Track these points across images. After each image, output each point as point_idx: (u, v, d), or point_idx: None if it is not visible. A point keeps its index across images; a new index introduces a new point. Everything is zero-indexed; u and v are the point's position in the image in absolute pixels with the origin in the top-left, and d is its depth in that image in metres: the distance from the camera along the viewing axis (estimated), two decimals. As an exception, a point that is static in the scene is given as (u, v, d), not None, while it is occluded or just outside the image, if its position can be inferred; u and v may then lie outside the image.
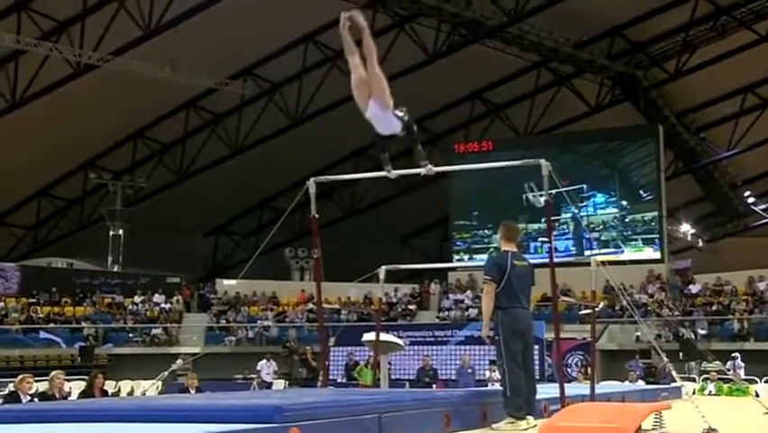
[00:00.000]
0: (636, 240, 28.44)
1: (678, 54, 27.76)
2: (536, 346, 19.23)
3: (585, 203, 28.45)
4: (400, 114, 7.40)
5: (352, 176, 11.69)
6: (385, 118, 7.34)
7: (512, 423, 7.06)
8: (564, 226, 27.95)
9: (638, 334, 23.13)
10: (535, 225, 26.75)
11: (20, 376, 10.83)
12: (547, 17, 25.12)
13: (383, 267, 11.02)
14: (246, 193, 31.61)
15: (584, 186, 28.12)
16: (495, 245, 25.50)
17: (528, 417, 7.15)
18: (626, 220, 28.67)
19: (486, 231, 28.20)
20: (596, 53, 27.71)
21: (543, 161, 8.08)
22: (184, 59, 24.14)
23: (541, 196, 24.98)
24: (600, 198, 28.78)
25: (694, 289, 26.48)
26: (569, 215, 27.55)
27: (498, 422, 7.14)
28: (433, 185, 29.04)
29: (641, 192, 28.77)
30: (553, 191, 8.37)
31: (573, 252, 27.61)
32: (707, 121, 31.30)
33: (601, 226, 28.69)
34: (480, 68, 27.51)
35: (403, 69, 26.50)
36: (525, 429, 7.00)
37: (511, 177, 24.68)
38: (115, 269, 29.31)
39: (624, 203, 28.79)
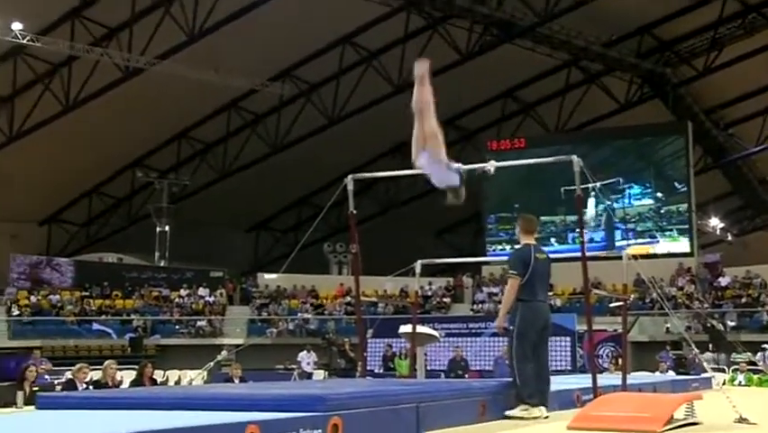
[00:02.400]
0: (672, 230, 28.23)
1: (706, 52, 27.35)
2: (568, 338, 19.40)
3: (621, 195, 28.25)
4: (455, 166, 6.98)
5: (389, 173, 11.58)
6: (437, 169, 6.89)
7: (525, 409, 6.95)
8: (600, 218, 27.72)
9: (668, 326, 22.89)
10: (573, 217, 26.54)
11: (78, 365, 10.99)
12: (577, 17, 24.89)
13: (419, 261, 10.98)
14: (286, 190, 31.76)
15: (620, 179, 27.86)
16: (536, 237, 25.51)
17: (541, 407, 7.03)
18: (662, 211, 28.40)
19: None
20: (625, 52, 27.40)
21: (574, 157, 8.01)
22: (226, 61, 24.34)
23: (592, 189, 24.95)
24: (636, 189, 28.59)
25: (723, 281, 26.12)
26: (602, 207, 27.30)
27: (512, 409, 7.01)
28: (466, 181, 28.89)
29: (675, 184, 28.48)
30: (589, 185, 8.27)
31: (607, 243, 27.42)
32: (735, 117, 30.81)
33: (637, 217, 28.47)
34: (512, 67, 27.35)
35: (437, 69, 26.31)
36: (537, 417, 6.89)
37: (546, 171, 24.46)
38: (162, 263, 29.62)
39: (659, 194, 28.57)
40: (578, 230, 25.78)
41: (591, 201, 26.66)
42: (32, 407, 7.11)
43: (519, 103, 30.46)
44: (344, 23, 25.14)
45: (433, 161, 6.77)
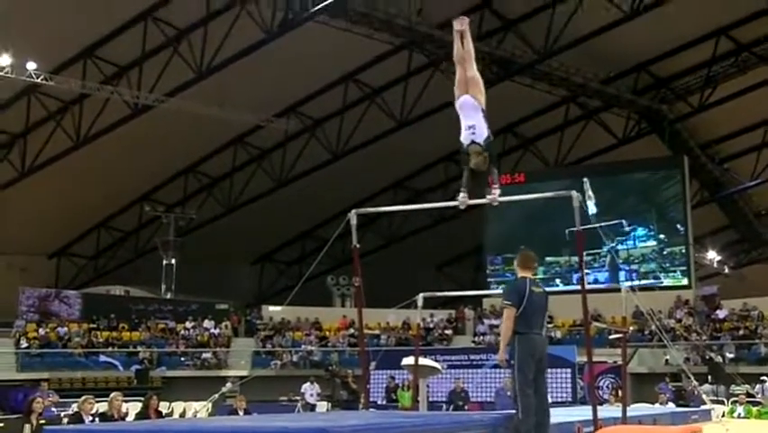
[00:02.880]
0: (675, 271, 28.12)
1: (701, 89, 27.54)
2: (568, 370, 19.29)
3: (626, 237, 28.18)
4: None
5: (391, 208, 11.68)
6: (474, 113, 7.66)
7: None
8: (603, 259, 27.54)
9: (667, 357, 22.76)
10: (574, 258, 26.35)
11: (83, 398, 10.94)
12: (575, 54, 25.09)
13: (421, 294, 10.99)
14: (290, 224, 31.81)
15: (623, 221, 27.73)
16: (539, 277, 25.43)
17: None
18: (665, 253, 28.32)
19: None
20: (622, 88, 27.57)
21: (573, 193, 8.01)
22: (232, 98, 24.51)
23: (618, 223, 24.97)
24: (641, 231, 28.51)
25: (721, 314, 26.01)
26: (606, 248, 27.17)
27: None
28: (466, 215, 28.99)
29: (678, 226, 28.44)
30: (595, 225, 8.27)
31: (611, 284, 27.30)
32: (730, 152, 30.94)
33: (640, 258, 28.35)
34: (512, 103, 27.49)
35: (438, 105, 26.65)
36: None
37: (549, 210, 24.22)
38: (168, 296, 29.58)
39: (662, 236, 28.48)
40: (579, 267, 25.81)
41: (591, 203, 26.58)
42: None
43: (519, 138, 30.60)
44: (348, 60, 25.36)
45: (474, 105, 7.60)
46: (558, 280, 28.02)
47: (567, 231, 26.38)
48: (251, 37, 22.46)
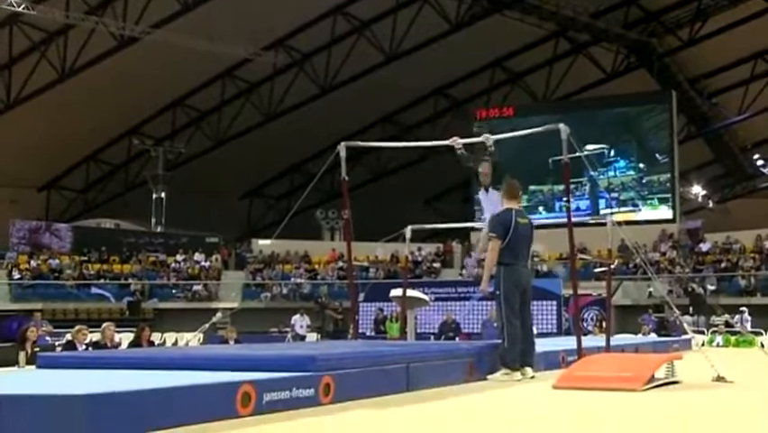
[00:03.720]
0: (653, 199, 28.47)
1: (691, 22, 27.22)
2: (554, 302, 19.53)
3: (607, 168, 28.37)
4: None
5: (381, 144, 11.61)
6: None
7: (507, 374, 6.97)
8: (585, 188, 27.86)
9: (651, 290, 23.04)
10: (561, 186, 26.54)
11: (76, 327, 11.01)
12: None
13: (409, 227, 11.00)
14: (279, 158, 31.66)
15: (606, 147, 27.96)
16: (523, 205, 25.58)
17: (526, 368, 7.07)
18: (644, 181, 28.57)
19: None
20: (612, 22, 27.24)
21: (562, 126, 8.00)
22: (220, 31, 24.09)
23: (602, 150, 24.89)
24: (622, 163, 28.68)
25: (704, 247, 26.25)
26: (585, 178, 27.39)
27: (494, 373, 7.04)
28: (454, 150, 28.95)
29: (657, 155, 28.59)
30: (578, 154, 8.28)
31: (592, 211, 27.60)
32: (719, 87, 30.75)
33: (620, 186, 28.65)
34: (501, 37, 27.18)
35: (427, 38, 26.31)
36: (520, 380, 6.93)
37: (534, 141, 24.26)
38: (158, 229, 29.57)
39: (641, 165, 28.67)
40: (562, 199, 25.91)
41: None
42: (34, 366, 7.14)
43: (508, 72, 30.33)
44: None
45: None
46: (541, 208, 28.26)
47: (551, 160, 26.61)
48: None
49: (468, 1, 25.66)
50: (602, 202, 28.32)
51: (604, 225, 10.69)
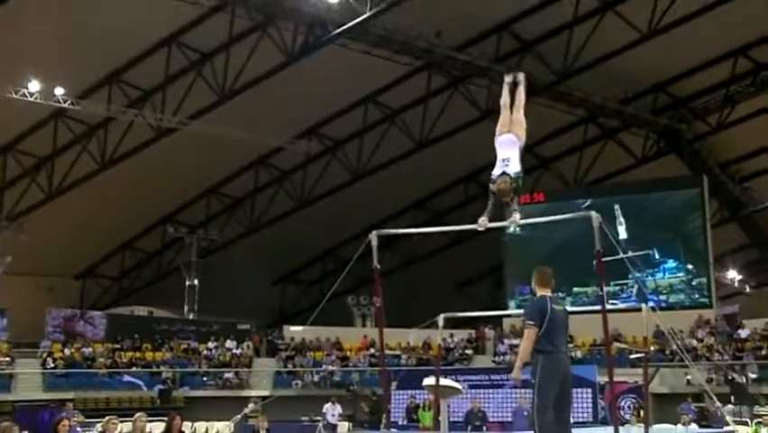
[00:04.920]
0: (705, 301, 27.61)
1: (720, 108, 27.39)
2: (589, 389, 19.11)
3: (656, 268, 27.72)
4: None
5: (411, 230, 11.59)
6: (512, 148, 8.62)
7: None
8: (631, 289, 26.88)
9: (689, 377, 22.48)
10: (606, 288, 25.65)
11: (107, 418, 10.99)
12: (593, 75, 25.07)
13: (441, 315, 10.95)
14: (311, 244, 31.88)
15: (652, 251, 27.23)
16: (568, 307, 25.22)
17: None
18: (693, 284, 27.78)
19: (560, 293, 26.98)
20: (640, 108, 27.48)
21: (593, 213, 7.96)
22: (254, 120, 24.68)
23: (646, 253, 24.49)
24: (671, 263, 27.91)
25: (743, 333, 25.65)
26: (632, 280, 26.77)
27: None
28: (485, 234, 28.98)
29: (707, 256, 27.92)
30: (618, 257, 8.20)
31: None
32: (750, 171, 30.68)
33: (668, 289, 27.86)
34: (531, 123, 27.30)
35: (457, 125, 26.72)
36: None
37: (575, 241, 23.42)
38: (191, 316, 29.65)
39: (690, 267, 27.91)
40: (611, 301, 25.44)
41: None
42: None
43: (538, 158, 30.55)
44: (368, 82, 25.50)
45: (513, 141, 8.58)
46: (586, 310, 27.51)
47: (594, 262, 25.88)
48: (272, 60, 22.67)
49: (497, 90, 26.06)
50: (651, 305, 27.31)
51: (639, 310, 10.55)
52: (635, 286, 26.57)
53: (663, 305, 26.93)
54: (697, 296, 27.69)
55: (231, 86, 23.21)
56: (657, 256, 27.59)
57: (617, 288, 26.41)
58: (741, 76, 25.95)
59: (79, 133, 25.18)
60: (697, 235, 28.13)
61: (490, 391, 20.17)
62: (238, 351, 27.34)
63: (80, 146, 25.45)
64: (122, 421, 11.45)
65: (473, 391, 19.49)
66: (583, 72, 24.68)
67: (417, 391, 18.67)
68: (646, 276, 27.50)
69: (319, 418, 20.85)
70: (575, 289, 27.29)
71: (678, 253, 28.14)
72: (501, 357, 26.68)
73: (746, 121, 27.06)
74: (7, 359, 24.10)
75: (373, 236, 9.18)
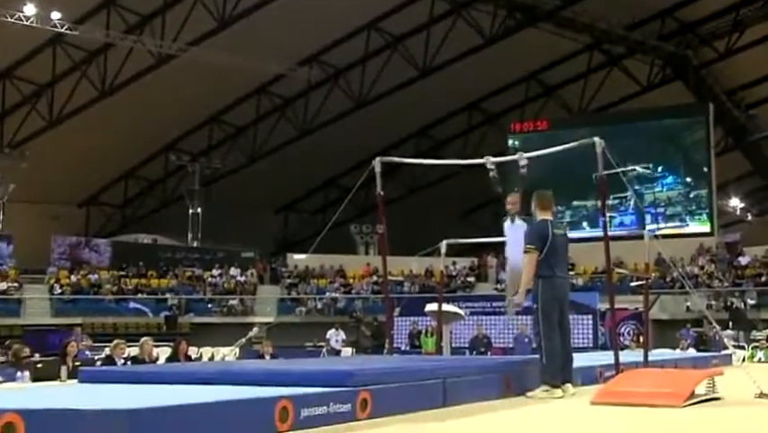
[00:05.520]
0: (701, 214, 27.96)
1: (728, 34, 26.93)
2: (590, 316, 19.33)
3: (655, 183, 27.87)
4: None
5: (415, 160, 11.53)
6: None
7: (547, 391, 6.79)
8: (629, 202, 27.16)
9: (689, 304, 22.73)
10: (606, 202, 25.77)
11: (115, 342, 11.18)
12: (599, 0, 24.61)
13: (444, 241, 10.96)
14: (313, 173, 31.85)
15: (650, 165, 27.17)
16: (567, 221, 25.31)
17: (566, 384, 6.89)
18: (691, 196, 28.12)
19: (559, 207, 27.18)
20: (647, 34, 27.05)
21: (597, 140, 7.90)
22: (255, 47, 24.35)
23: (646, 168, 24.51)
24: (670, 178, 28.17)
25: (743, 260, 25.84)
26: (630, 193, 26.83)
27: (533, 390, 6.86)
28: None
29: (704, 169, 28.08)
30: (622, 169, 8.17)
31: (637, 226, 27.10)
32: (757, 98, 30.36)
33: (666, 201, 28.19)
34: (535, 50, 27.13)
35: (460, 52, 26.33)
36: (561, 397, 6.76)
37: (576, 155, 23.75)
38: (195, 244, 29.86)
39: (688, 180, 28.20)
40: (609, 214, 25.50)
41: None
42: (75, 380, 7.25)
43: (542, 85, 30.23)
44: (370, 8, 25.06)
45: None
46: (585, 224, 27.84)
47: (594, 175, 26.07)
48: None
49: (501, 15, 25.66)
50: (648, 217, 27.62)
51: (641, 238, 10.58)
52: (633, 199, 26.74)
53: (661, 219, 27.19)
54: (694, 207, 27.89)
55: (231, 12, 22.84)
56: (651, 169, 27.70)
57: (616, 201, 26.53)
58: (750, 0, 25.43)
59: (78, 59, 24.88)
60: (696, 149, 28.29)
61: (492, 317, 20.42)
62: (242, 278, 27.63)
63: (80, 73, 25.20)
64: (129, 346, 11.64)
65: (475, 317, 19.73)
66: (589, -3, 24.24)
67: (420, 318, 18.92)
68: (645, 190, 27.61)
69: (323, 343, 21.18)
70: (575, 202, 27.53)
71: (680, 168, 28.23)
72: (503, 285, 26.90)
73: (755, 46, 26.64)
74: (15, 284, 24.38)
75: (377, 163, 9.16)
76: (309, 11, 23.72)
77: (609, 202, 25.16)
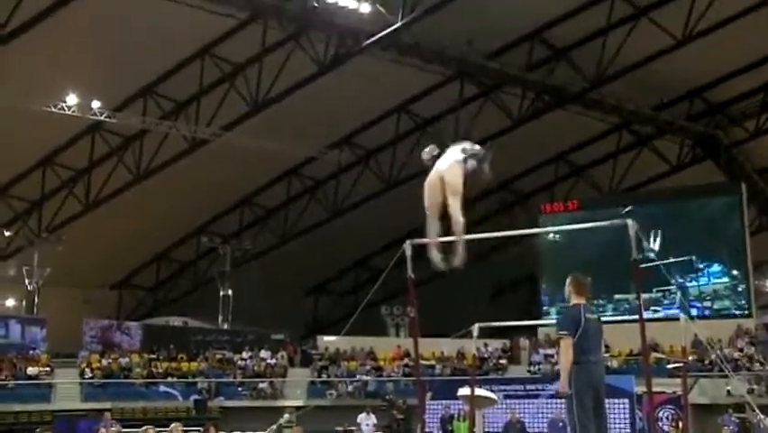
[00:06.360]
0: (751, 309, 27.03)
1: (757, 114, 27.00)
2: (626, 400, 18.88)
3: (699, 273, 27.12)
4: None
5: (447, 238, 11.50)
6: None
7: None
8: (674, 296, 25.90)
9: (729, 388, 22.11)
10: (647, 295, 24.69)
11: (144, 428, 11.15)
12: (627, 81, 24.89)
13: (476, 324, 10.91)
14: (344, 254, 31.94)
15: (694, 257, 26.24)
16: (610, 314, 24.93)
17: None
18: (739, 289, 27.18)
19: (600, 300, 26.21)
20: (675, 115, 27.21)
21: (629, 221, 7.83)
22: (286, 131, 24.84)
23: (650, 251, 24.06)
24: (716, 268, 27.29)
25: (785, 342, 25.21)
26: (674, 286, 26.22)
27: None
28: (521, 243, 28.89)
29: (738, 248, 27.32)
30: (658, 262, 8.08)
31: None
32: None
33: (713, 295, 27.28)
34: (564, 131, 27.37)
35: (489, 133, 26.60)
36: None
37: (614, 246, 22.86)
38: (225, 326, 29.85)
39: (735, 272, 27.26)
40: (651, 307, 24.99)
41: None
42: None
43: (571, 166, 30.35)
44: (400, 91, 25.57)
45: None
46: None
47: (633, 258, 25.21)
48: (304, 70, 22.83)
49: (530, 97, 26.02)
50: (694, 312, 26.08)
51: (676, 320, 10.43)
52: (678, 293, 26.04)
53: (708, 312, 26.45)
54: (743, 302, 27.16)
55: (264, 96, 23.40)
56: (699, 263, 27.02)
57: (659, 294, 25.94)
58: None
59: (115, 145, 25.54)
60: (738, 241, 27.62)
61: (526, 401, 20.04)
62: (272, 361, 27.43)
63: (116, 158, 25.81)
64: (158, 431, 11.57)
65: (508, 401, 19.37)
66: (617, 79, 24.51)
67: (452, 402, 18.59)
68: (689, 282, 27.02)
69: (353, 428, 20.86)
70: (616, 296, 26.83)
71: (721, 257, 27.61)
72: (536, 367, 26.49)
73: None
74: (47, 369, 24.44)
75: (407, 246, 9.17)
76: (340, 95, 24.23)
77: (652, 295, 24.87)
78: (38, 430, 12.72)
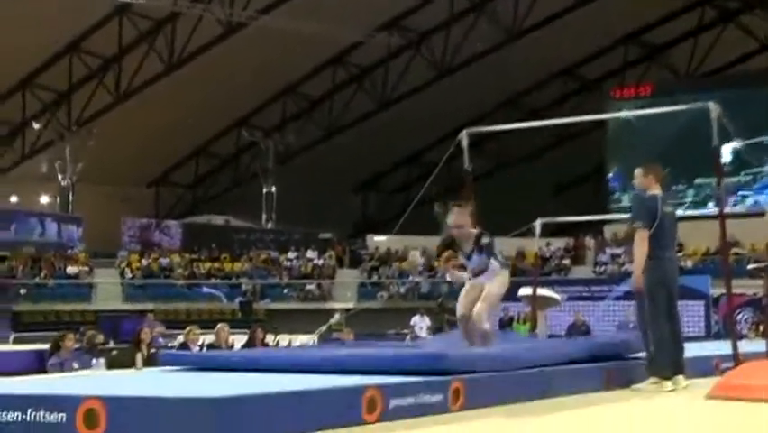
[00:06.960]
0: None
1: None
2: (701, 302, 18.87)
3: None
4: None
5: (508, 126, 11.42)
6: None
7: (656, 383, 6.60)
8: (766, 178, 25.55)
9: (815, 289, 21.88)
10: (733, 178, 24.41)
11: (188, 328, 11.54)
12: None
13: (538, 220, 10.86)
14: (394, 148, 31.88)
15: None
16: (689, 200, 24.51)
17: (678, 376, 6.68)
18: None
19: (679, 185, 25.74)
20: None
21: (711, 104, 7.68)
22: (329, 13, 24.42)
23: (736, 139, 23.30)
24: None
25: None
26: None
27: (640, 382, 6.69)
28: (587, 134, 28.46)
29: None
30: (743, 142, 7.88)
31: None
32: None
33: None
34: (636, 7, 26.42)
35: (553, 12, 25.88)
36: (672, 390, 6.57)
37: (699, 128, 22.40)
38: (269, 225, 30.34)
39: None
40: (739, 192, 24.49)
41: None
42: (150, 368, 7.49)
43: (644, 47, 29.44)
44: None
45: None
46: (711, 204, 26.69)
47: (715, 146, 24.32)
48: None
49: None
50: None
51: (761, 215, 10.27)
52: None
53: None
54: None
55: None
56: None
57: (749, 177, 25.32)
58: None
59: (145, 29, 25.46)
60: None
61: (590, 303, 20.16)
62: (320, 261, 27.94)
63: (147, 45, 25.83)
64: (202, 333, 11.97)
65: (571, 302, 19.50)
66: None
67: (512, 304, 18.77)
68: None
69: (406, 330, 21.28)
70: (697, 180, 26.22)
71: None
72: (602, 267, 26.51)
73: None
74: (86, 268, 25.31)
75: (464, 135, 9.11)
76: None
77: (742, 178, 24.34)
78: (83, 329, 13.26)
